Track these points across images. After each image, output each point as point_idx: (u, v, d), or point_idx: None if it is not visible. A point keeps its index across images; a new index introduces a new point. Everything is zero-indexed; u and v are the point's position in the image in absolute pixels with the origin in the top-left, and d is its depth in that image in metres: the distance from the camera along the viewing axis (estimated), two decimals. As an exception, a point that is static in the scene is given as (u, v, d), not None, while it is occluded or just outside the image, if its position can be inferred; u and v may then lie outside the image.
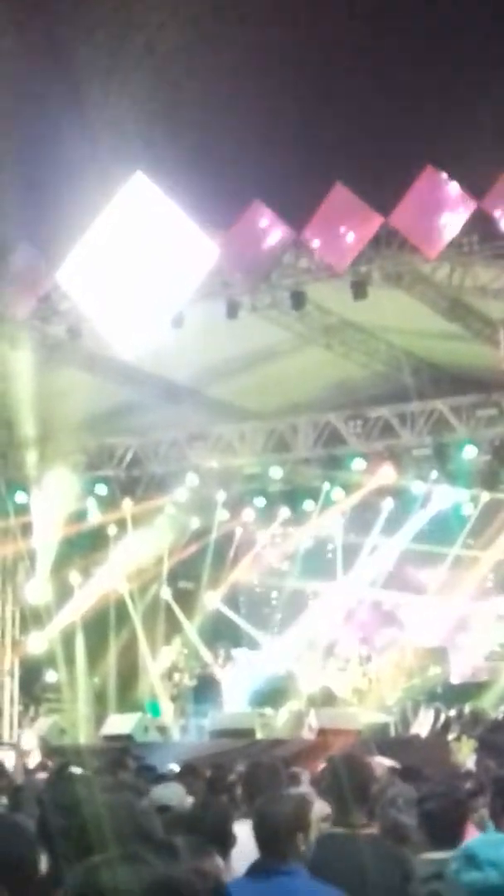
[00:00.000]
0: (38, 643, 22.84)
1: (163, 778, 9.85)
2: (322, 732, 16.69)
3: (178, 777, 10.05)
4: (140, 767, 11.88)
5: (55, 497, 21.90)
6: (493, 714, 19.13)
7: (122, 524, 23.00)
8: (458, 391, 19.93)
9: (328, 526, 23.50)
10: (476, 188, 15.28)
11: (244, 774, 8.13)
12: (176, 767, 11.76)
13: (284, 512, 23.66)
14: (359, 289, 16.57)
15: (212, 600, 24.49)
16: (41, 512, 22.11)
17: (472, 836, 5.91)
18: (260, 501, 23.16)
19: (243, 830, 6.03)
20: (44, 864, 4.33)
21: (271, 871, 4.99)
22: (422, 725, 19.02)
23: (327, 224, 16.32)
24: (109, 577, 23.09)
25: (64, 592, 22.99)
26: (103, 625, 23.15)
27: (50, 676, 23.26)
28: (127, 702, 22.84)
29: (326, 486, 22.01)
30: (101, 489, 22.43)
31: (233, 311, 17.19)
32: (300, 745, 16.32)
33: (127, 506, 22.64)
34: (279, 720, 20.41)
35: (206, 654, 23.41)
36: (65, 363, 19.44)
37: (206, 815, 6.18)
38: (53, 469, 21.90)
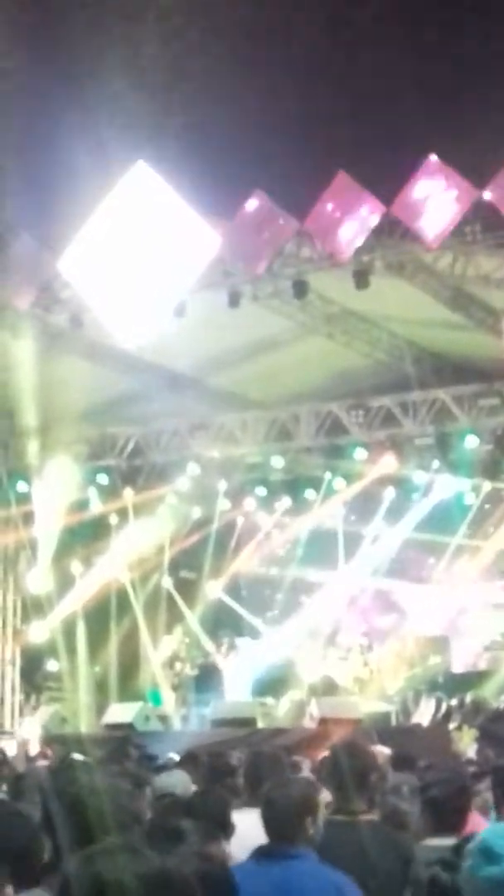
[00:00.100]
0: (39, 632, 22.87)
1: (163, 768, 9.86)
2: (323, 721, 16.69)
3: (179, 766, 10.06)
4: (141, 756, 11.89)
5: (56, 486, 21.90)
6: (495, 703, 19.15)
7: (123, 514, 23.00)
8: (460, 380, 19.92)
9: (330, 515, 23.49)
10: (479, 177, 15.24)
11: (246, 764, 8.14)
12: (176, 757, 11.76)
13: (286, 501, 23.67)
14: (361, 278, 16.54)
15: (213, 590, 24.51)
16: (43, 501, 22.12)
17: (476, 822, 5.93)
18: (261, 491, 23.17)
19: (244, 819, 6.04)
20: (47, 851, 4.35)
21: (280, 855, 5.00)
22: (423, 715, 19.04)
23: (329, 213, 16.28)
24: (111, 567, 23.11)
25: (65, 582, 23.01)
26: (104, 614, 23.17)
27: (51, 665, 23.29)
28: (128, 691, 22.87)
29: (328, 475, 22.01)
30: (103, 478, 22.43)
31: (234, 300, 17.17)
32: (301, 735, 16.32)
33: (128, 495, 22.64)
34: (280, 709, 20.44)
35: (207, 644, 23.43)
36: (66, 352, 19.42)
37: (204, 803, 6.19)
38: (55, 458, 21.89)
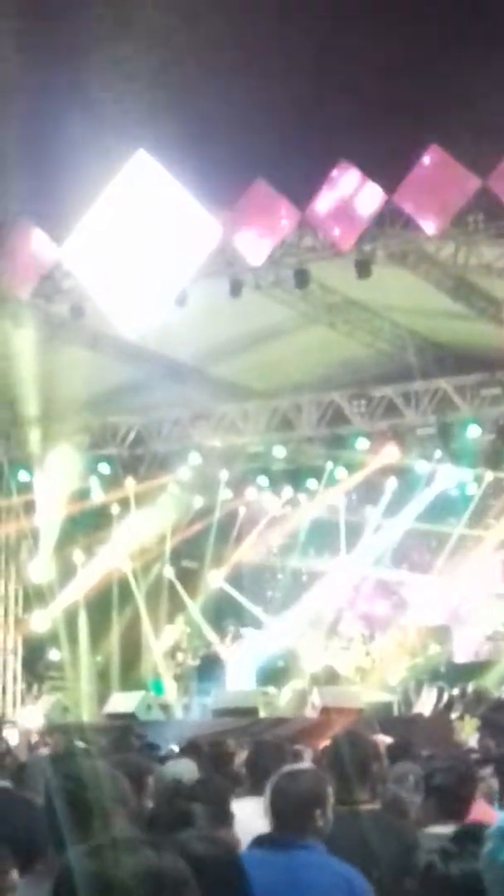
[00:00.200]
0: (41, 622, 22.89)
1: (165, 758, 9.86)
2: (325, 711, 16.71)
3: (181, 755, 10.07)
4: (143, 745, 11.90)
5: (58, 476, 21.91)
6: (496, 693, 19.16)
7: (125, 503, 23.00)
8: (462, 370, 19.89)
9: (332, 505, 23.49)
10: (481, 166, 15.21)
11: (248, 753, 8.15)
12: (176, 748, 11.78)
13: (288, 491, 23.67)
14: (363, 267, 16.51)
15: (215, 579, 24.51)
16: (44, 491, 22.12)
17: (483, 811, 5.94)
18: (263, 480, 23.18)
19: (245, 808, 6.05)
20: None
21: (288, 845, 4.99)
22: (424, 704, 19.06)
23: (331, 202, 16.25)
24: (112, 556, 23.11)
25: (67, 571, 23.02)
26: (106, 603, 23.18)
27: (53, 655, 23.31)
28: (130, 680, 22.89)
29: (330, 465, 22.01)
30: (104, 468, 22.43)
31: (236, 289, 17.15)
32: (303, 724, 16.35)
33: (130, 485, 22.64)
34: (282, 699, 20.46)
35: (209, 633, 23.45)
36: (68, 342, 19.41)
37: (204, 791, 6.19)
38: (56, 448, 21.89)
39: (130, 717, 18.00)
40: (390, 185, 15.81)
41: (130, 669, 23.42)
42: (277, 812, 5.12)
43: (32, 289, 18.19)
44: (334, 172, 16.07)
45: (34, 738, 17.13)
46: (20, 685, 22.78)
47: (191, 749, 10.59)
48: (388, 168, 15.97)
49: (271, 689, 20.61)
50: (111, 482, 22.68)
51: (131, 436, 22.42)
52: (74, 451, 22.05)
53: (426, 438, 20.59)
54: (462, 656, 22.20)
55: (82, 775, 4.19)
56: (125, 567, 23.30)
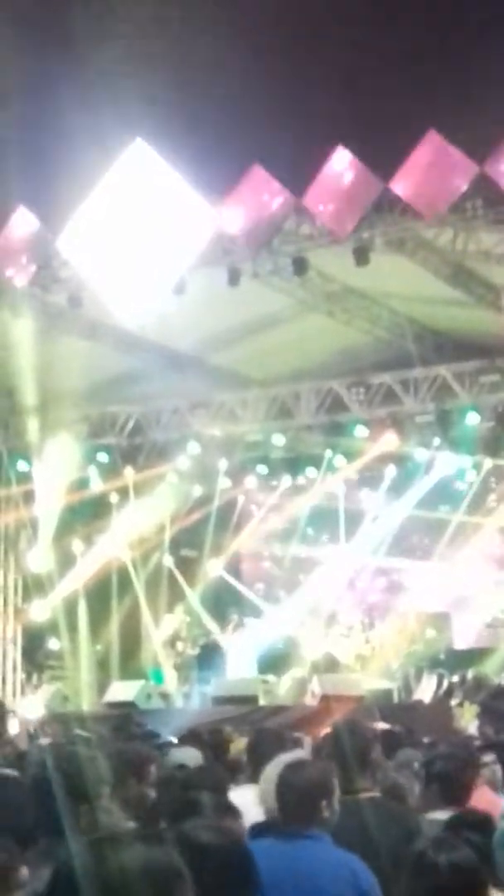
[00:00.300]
0: (40, 611, 22.89)
1: (163, 747, 9.86)
2: (325, 699, 16.72)
3: (180, 743, 10.08)
4: (143, 734, 11.90)
5: (57, 465, 21.90)
6: (496, 680, 19.18)
7: (123, 492, 23.00)
8: (460, 357, 19.87)
9: (331, 493, 23.49)
10: (479, 152, 15.17)
11: (248, 741, 8.15)
12: (174, 740, 11.77)
13: (287, 479, 23.66)
14: (361, 255, 16.48)
15: (214, 568, 24.52)
16: (43, 480, 22.11)
17: (487, 799, 5.95)
18: (262, 469, 23.18)
19: (244, 795, 6.05)
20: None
21: (294, 835, 4.99)
22: (424, 691, 19.07)
23: (329, 189, 16.21)
24: (111, 546, 23.11)
25: (66, 560, 23.02)
26: (106, 593, 23.19)
27: (53, 644, 23.32)
28: (130, 669, 22.91)
29: (329, 453, 22.01)
30: (103, 457, 22.42)
31: (234, 278, 17.12)
32: (303, 712, 16.35)
33: (129, 474, 22.64)
34: (282, 687, 20.46)
35: (208, 622, 23.46)
36: (66, 331, 19.38)
37: (202, 780, 6.19)
38: (55, 437, 21.88)
39: (130, 705, 18.01)
40: (388, 172, 15.76)
41: (130, 658, 23.43)
42: (284, 803, 5.12)
43: (30, 279, 18.16)
44: (332, 159, 16.02)
45: (34, 728, 17.15)
46: (20, 675, 22.78)
47: (190, 737, 10.59)
48: (385, 154, 15.93)
49: (271, 677, 20.62)
50: (110, 471, 22.67)
51: (130, 425, 22.41)
52: (73, 440, 22.04)
53: (425, 426, 20.59)
54: (462, 643, 22.23)
55: (79, 764, 4.19)
56: (124, 556, 23.30)
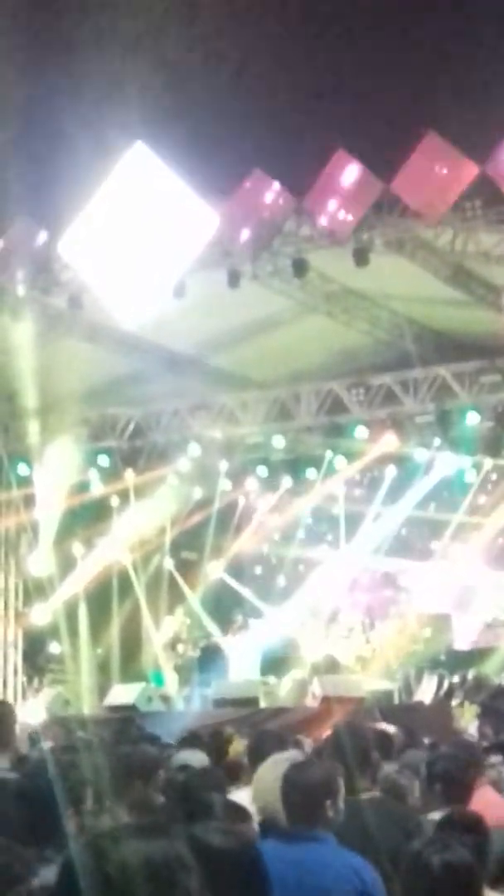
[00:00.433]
0: (41, 615, 22.88)
1: (164, 749, 9.85)
2: (326, 700, 16.70)
3: (181, 746, 10.07)
4: (144, 737, 11.88)
5: (57, 468, 21.89)
6: (496, 680, 19.17)
7: (124, 495, 22.99)
8: (460, 358, 19.87)
9: (331, 494, 23.48)
10: (479, 153, 15.17)
11: (249, 743, 8.15)
12: (172, 743, 11.75)
13: (287, 481, 23.65)
14: (360, 256, 16.48)
15: (215, 570, 24.51)
16: (44, 483, 22.11)
17: (487, 799, 5.95)
18: (262, 471, 23.17)
19: (241, 797, 6.05)
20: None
21: (300, 837, 4.98)
22: (425, 692, 19.06)
23: (329, 190, 16.22)
24: (112, 548, 23.11)
25: (67, 564, 23.01)
26: (106, 596, 23.19)
27: (53, 648, 23.31)
28: (130, 672, 22.89)
29: (329, 454, 22.00)
30: (104, 460, 22.42)
31: (234, 279, 17.12)
32: (304, 713, 16.34)
33: (129, 476, 22.64)
34: (283, 688, 20.44)
35: (209, 624, 23.45)
36: (66, 334, 19.38)
37: (202, 783, 6.19)
38: (55, 440, 21.88)
39: (131, 708, 17.99)
40: (388, 173, 15.76)
41: (131, 661, 23.42)
42: (289, 804, 5.12)
43: (30, 282, 18.17)
44: (331, 160, 16.03)
45: (36, 731, 17.12)
46: (21, 678, 22.77)
47: (191, 740, 10.58)
48: (385, 156, 15.94)
49: (272, 679, 20.61)
50: (110, 474, 22.67)
51: (130, 427, 22.40)
52: (73, 443, 22.03)
53: (425, 426, 20.59)
54: (462, 644, 22.21)
55: (82, 768, 4.20)
56: (125, 559, 23.30)
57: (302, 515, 24.16)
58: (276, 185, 16.50)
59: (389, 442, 20.94)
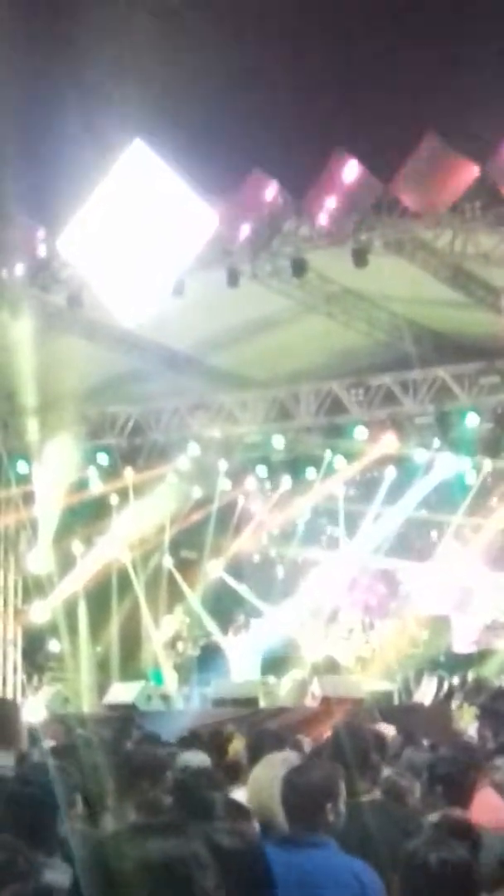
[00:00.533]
0: (40, 612, 22.88)
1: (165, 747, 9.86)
2: (325, 701, 16.72)
3: (181, 745, 10.08)
4: (145, 736, 11.90)
5: (57, 466, 21.89)
6: (496, 682, 19.17)
7: (123, 493, 22.99)
8: (460, 359, 19.87)
9: (330, 494, 23.48)
10: (479, 154, 15.16)
11: (249, 742, 8.16)
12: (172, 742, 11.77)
13: (286, 481, 23.65)
14: (360, 256, 16.48)
15: (214, 569, 24.51)
16: (43, 481, 22.11)
17: (486, 798, 5.96)
18: (262, 470, 23.17)
19: (240, 796, 6.05)
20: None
21: (301, 842, 4.95)
22: (424, 693, 19.06)
23: (328, 191, 16.22)
24: (111, 547, 23.11)
25: (66, 562, 23.02)
26: (106, 594, 23.19)
27: (53, 646, 23.31)
28: (130, 670, 22.90)
29: (328, 454, 22.00)
30: (103, 458, 22.43)
31: (233, 279, 17.12)
32: (303, 714, 16.34)
33: (128, 475, 22.63)
34: (282, 688, 20.44)
35: (209, 623, 23.45)
36: (65, 332, 19.38)
37: (202, 783, 6.20)
38: (55, 438, 21.88)
39: (131, 707, 18.00)
40: (387, 174, 15.76)
41: (130, 660, 23.43)
42: (289, 807, 5.09)
43: (30, 279, 18.18)
44: (331, 160, 16.03)
45: (36, 730, 17.13)
46: (20, 676, 22.77)
47: (191, 739, 10.60)
48: (384, 156, 15.93)
49: (271, 679, 20.62)
50: (110, 472, 22.68)
51: (130, 426, 22.41)
52: (73, 441, 22.03)
53: (424, 427, 20.59)
54: (461, 645, 22.22)
55: (75, 773, 4.21)
56: (124, 557, 23.30)
57: (301, 515, 24.15)
58: (276, 184, 16.50)
59: (389, 443, 20.94)
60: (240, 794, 6.19)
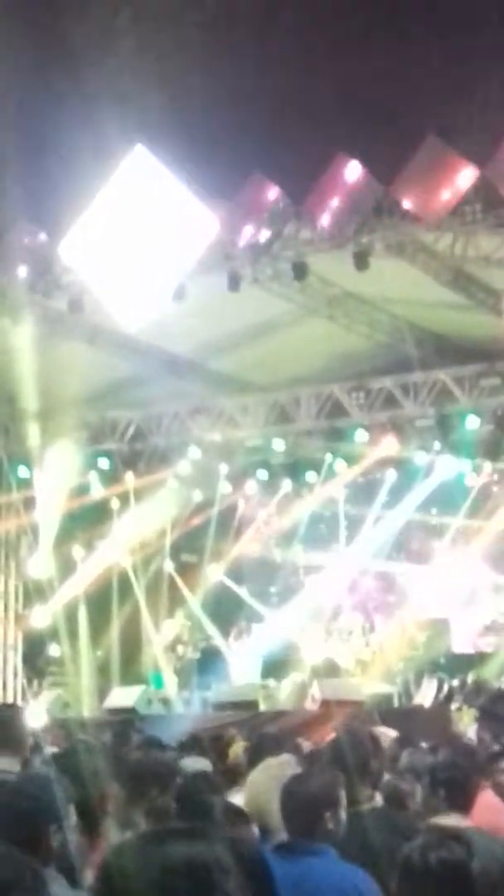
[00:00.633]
0: (41, 617, 22.87)
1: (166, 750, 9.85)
2: (325, 703, 16.71)
3: (181, 749, 10.07)
4: (148, 741, 11.88)
5: (58, 471, 21.90)
6: (496, 684, 19.17)
7: (124, 498, 22.99)
8: (460, 361, 19.88)
9: (331, 498, 23.48)
10: (479, 156, 15.17)
11: (249, 746, 8.15)
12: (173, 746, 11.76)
13: (287, 484, 23.65)
14: (361, 259, 16.49)
15: (215, 573, 24.50)
16: (44, 486, 22.11)
17: (487, 801, 5.95)
18: (262, 474, 23.16)
19: (237, 800, 6.05)
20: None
21: (300, 851, 4.92)
22: (424, 696, 19.06)
23: (329, 194, 16.23)
24: (112, 551, 23.11)
25: (67, 566, 23.01)
26: (106, 598, 23.17)
27: (53, 650, 23.29)
28: (130, 674, 22.87)
29: (329, 457, 21.98)
30: (104, 463, 22.43)
31: (234, 283, 17.13)
32: (303, 717, 16.35)
33: (129, 479, 22.64)
34: (282, 691, 20.44)
35: (209, 627, 23.44)
36: (66, 337, 19.39)
37: (201, 786, 6.19)
38: (56, 443, 21.88)
39: (131, 711, 18.00)
40: (388, 177, 15.77)
41: (131, 664, 23.41)
42: (288, 815, 5.05)
43: (31, 285, 18.18)
44: (331, 164, 16.04)
45: (37, 735, 17.10)
46: (21, 681, 22.76)
47: (192, 743, 10.59)
48: (385, 159, 15.93)
49: (271, 682, 20.62)
50: (110, 477, 22.68)
51: (130, 430, 22.41)
52: (74, 446, 22.04)
53: (425, 430, 20.58)
54: (461, 647, 22.21)
55: (90, 773, 4.20)
56: (125, 562, 23.30)
57: (302, 519, 24.14)
58: (276, 188, 16.51)
59: (389, 445, 20.94)
60: (238, 798, 6.18)
